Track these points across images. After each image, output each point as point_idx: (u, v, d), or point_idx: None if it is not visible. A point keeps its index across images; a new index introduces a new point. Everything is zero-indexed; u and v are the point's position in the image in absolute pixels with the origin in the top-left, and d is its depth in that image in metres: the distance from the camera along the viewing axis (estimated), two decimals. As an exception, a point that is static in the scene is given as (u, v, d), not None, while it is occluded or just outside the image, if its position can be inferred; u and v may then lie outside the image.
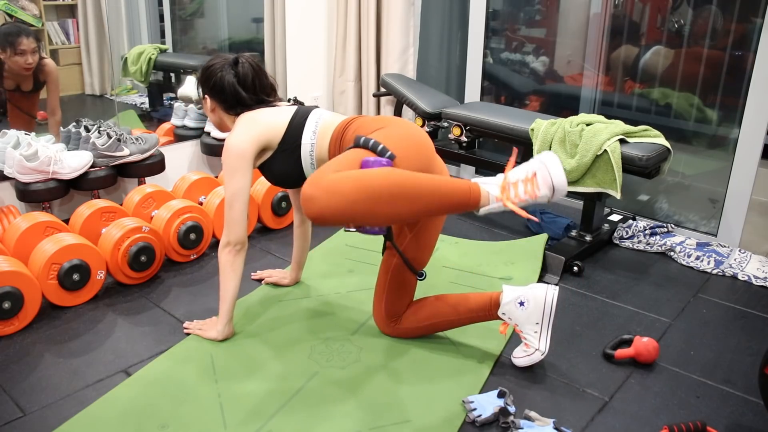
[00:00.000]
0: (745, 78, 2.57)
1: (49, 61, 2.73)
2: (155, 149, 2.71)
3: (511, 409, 1.65)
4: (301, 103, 3.26)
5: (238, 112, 1.94)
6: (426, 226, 1.85)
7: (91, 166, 2.51)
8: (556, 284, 2.38)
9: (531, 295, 1.78)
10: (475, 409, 1.64)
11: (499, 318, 1.83)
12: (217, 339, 1.95)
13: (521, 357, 1.84)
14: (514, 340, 1.95)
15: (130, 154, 2.60)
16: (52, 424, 1.61)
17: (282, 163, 1.89)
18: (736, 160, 2.63)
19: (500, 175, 1.63)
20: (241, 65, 1.94)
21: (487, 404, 1.65)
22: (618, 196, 2.39)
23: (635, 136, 2.46)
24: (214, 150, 3.02)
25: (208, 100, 1.98)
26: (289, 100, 3.25)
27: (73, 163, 2.44)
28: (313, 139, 1.85)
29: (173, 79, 3.36)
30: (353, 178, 1.45)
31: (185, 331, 2.02)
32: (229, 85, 1.91)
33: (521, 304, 1.78)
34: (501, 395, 1.67)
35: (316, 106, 1.96)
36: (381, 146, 1.63)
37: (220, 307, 1.93)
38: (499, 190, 1.59)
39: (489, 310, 1.83)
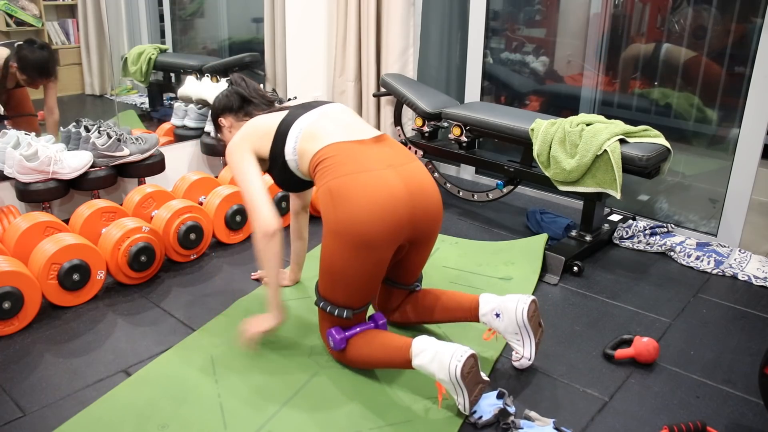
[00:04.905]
0: (745, 78, 2.57)
1: None
2: (155, 149, 2.71)
3: (511, 409, 1.65)
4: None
5: (247, 113, 2.01)
6: (409, 255, 1.83)
7: (91, 166, 2.51)
8: (556, 284, 2.38)
9: (504, 307, 1.79)
10: (475, 412, 1.63)
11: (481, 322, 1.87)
12: (273, 326, 1.83)
13: (514, 360, 1.85)
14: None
15: (130, 154, 2.60)
16: (52, 424, 1.61)
17: (279, 174, 1.88)
18: (736, 160, 2.63)
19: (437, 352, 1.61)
20: (233, 78, 2.06)
21: (487, 406, 1.64)
22: (618, 196, 2.38)
23: (635, 136, 2.46)
24: (214, 150, 3.02)
25: (223, 121, 2.04)
26: (288, 100, 3.25)
27: (73, 163, 2.44)
28: (294, 155, 1.80)
29: (173, 79, 3.36)
30: (355, 362, 1.81)
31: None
32: (229, 92, 2.03)
33: (497, 315, 1.80)
34: (500, 396, 1.67)
35: (304, 110, 1.86)
36: (337, 311, 1.75)
37: (268, 294, 1.83)
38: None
39: (469, 313, 1.87)
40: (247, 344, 1.88)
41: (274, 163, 1.84)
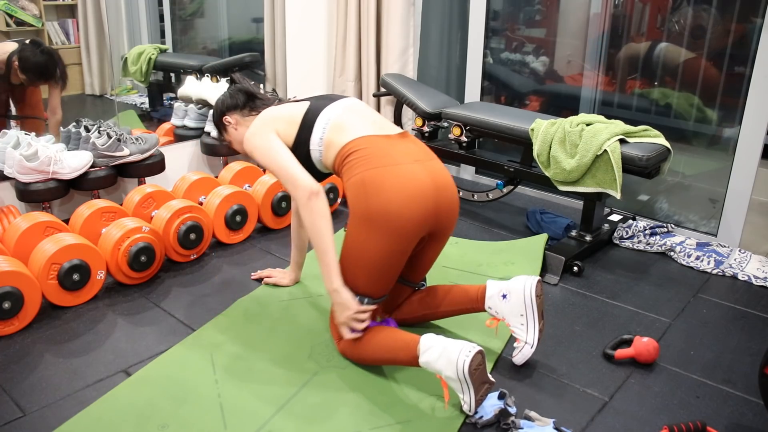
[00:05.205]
0: (745, 78, 2.57)
1: None
2: (155, 149, 2.71)
3: (512, 410, 1.64)
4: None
5: (252, 108, 2.00)
6: (425, 250, 1.86)
7: (91, 166, 2.51)
8: (556, 284, 2.38)
9: (511, 288, 1.81)
10: (476, 412, 1.63)
11: (486, 311, 1.88)
12: (349, 307, 1.74)
13: (515, 355, 1.85)
14: (513, 339, 1.95)
15: (130, 154, 2.60)
16: (52, 424, 1.61)
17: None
18: (736, 160, 2.63)
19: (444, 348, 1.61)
20: (235, 77, 2.08)
21: (488, 406, 1.64)
22: (618, 196, 2.39)
23: (635, 136, 2.46)
24: (214, 150, 3.02)
25: (228, 119, 2.02)
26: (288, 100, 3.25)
27: (73, 163, 2.44)
28: (320, 146, 1.82)
29: (173, 79, 3.36)
30: (361, 358, 1.83)
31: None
32: (233, 90, 2.03)
33: (504, 296, 1.82)
34: (501, 396, 1.67)
35: (329, 101, 1.88)
36: (357, 298, 1.76)
37: (325, 265, 1.73)
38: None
39: (476, 302, 1.88)
40: (350, 332, 1.78)
41: (297, 152, 1.83)
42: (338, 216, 3.00)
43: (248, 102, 2.01)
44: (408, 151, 1.77)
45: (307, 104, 1.87)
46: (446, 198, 1.76)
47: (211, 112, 3.01)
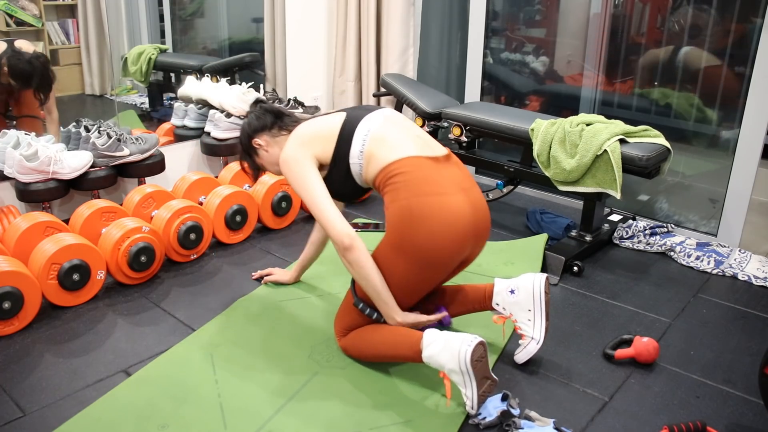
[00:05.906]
0: (745, 78, 2.57)
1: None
2: (155, 149, 2.71)
3: (515, 411, 1.64)
4: (301, 104, 3.26)
5: (281, 127, 1.91)
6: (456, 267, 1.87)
7: (91, 166, 2.51)
8: (556, 284, 2.38)
9: (519, 284, 1.83)
10: (479, 413, 1.63)
11: (493, 309, 1.89)
12: (421, 322, 1.79)
13: (519, 352, 1.85)
14: (515, 339, 1.95)
15: (130, 154, 2.60)
16: (52, 424, 1.61)
17: (339, 180, 1.81)
18: (736, 160, 2.63)
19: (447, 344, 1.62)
20: (259, 97, 2.04)
21: (491, 407, 1.64)
22: (618, 196, 2.39)
23: (635, 136, 2.46)
24: (214, 150, 3.02)
25: (258, 141, 1.92)
26: (289, 101, 3.24)
27: (73, 163, 2.44)
28: (360, 159, 1.75)
29: (173, 79, 3.36)
30: (363, 354, 1.85)
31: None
32: (258, 112, 1.94)
33: (512, 292, 1.83)
34: (504, 398, 1.67)
35: (366, 112, 1.82)
36: (375, 315, 1.79)
37: (383, 304, 1.75)
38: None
39: (483, 301, 1.89)
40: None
41: (336, 168, 1.79)
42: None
43: (276, 121, 1.92)
44: (454, 178, 1.73)
45: (343, 116, 1.81)
46: (483, 229, 1.77)
47: (211, 111, 3.01)
